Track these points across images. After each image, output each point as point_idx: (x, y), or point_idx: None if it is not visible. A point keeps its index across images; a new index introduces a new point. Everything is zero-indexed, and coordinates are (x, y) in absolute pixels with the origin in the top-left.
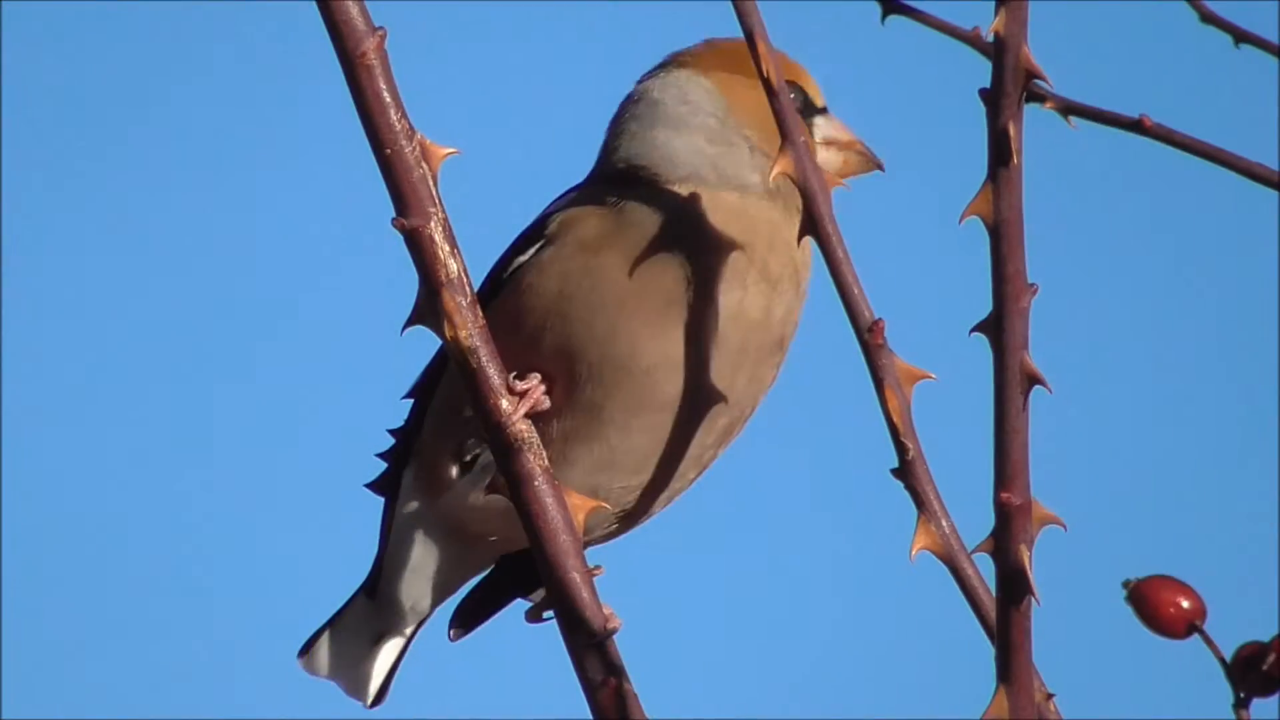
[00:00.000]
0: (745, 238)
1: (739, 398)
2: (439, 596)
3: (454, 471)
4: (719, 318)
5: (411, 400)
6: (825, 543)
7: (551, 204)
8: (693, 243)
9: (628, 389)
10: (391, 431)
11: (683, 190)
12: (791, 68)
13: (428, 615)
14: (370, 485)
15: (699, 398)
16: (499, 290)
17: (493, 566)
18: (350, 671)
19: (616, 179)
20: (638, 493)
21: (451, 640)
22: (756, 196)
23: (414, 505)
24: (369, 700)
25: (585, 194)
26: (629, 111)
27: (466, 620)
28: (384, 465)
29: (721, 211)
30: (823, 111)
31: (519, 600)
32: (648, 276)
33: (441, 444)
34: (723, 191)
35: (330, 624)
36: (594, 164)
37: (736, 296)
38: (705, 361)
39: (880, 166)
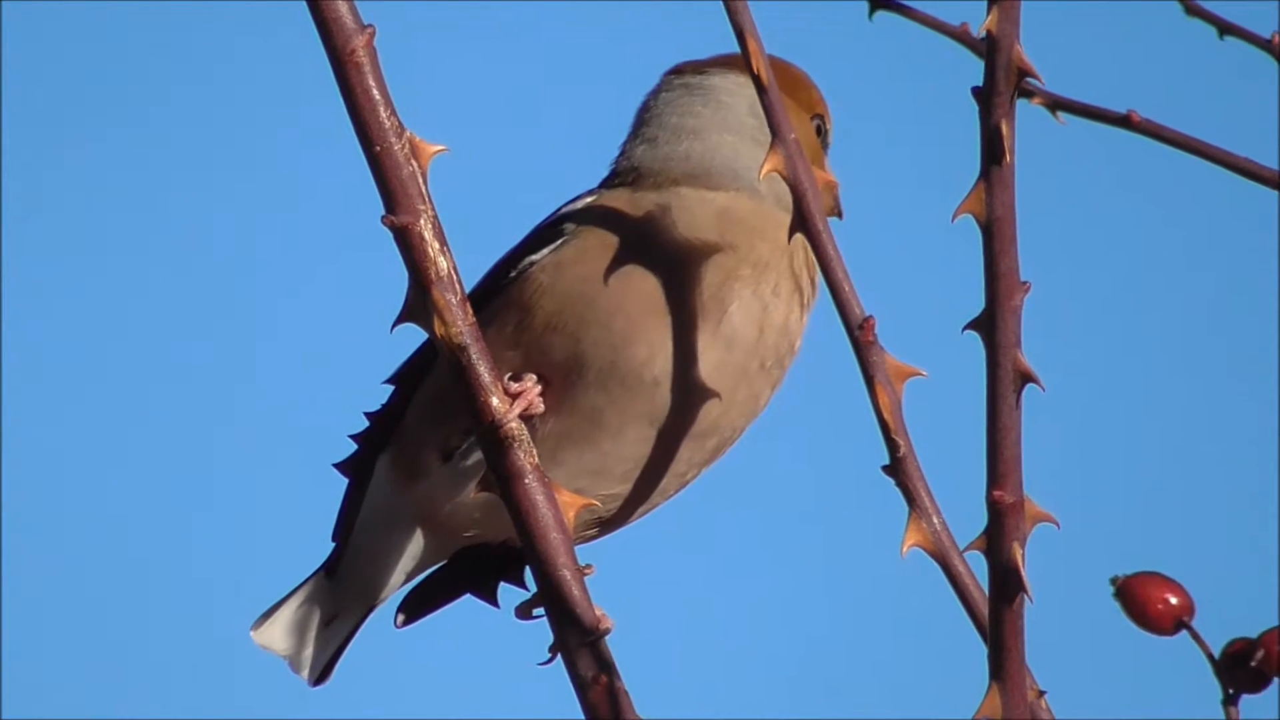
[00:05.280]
0: (770, 253)
1: (734, 417)
2: (397, 582)
3: (436, 461)
4: (733, 333)
5: (392, 386)
6: (816, 540)
7: (566, 204)
8: (722, 254)
9: (631, 397)
10: (367, 415)
11: (719, 198)
12: (822, 104)
13: (381, 600)
14: (338, 465)
15: (697, 413)
16: (503, 287)
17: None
18: (299, 649)
19: (649, 178)
20: (619, 502)
21: (397, 627)
22: (783, 211)
23: (387, 491)
24: (313, 679)
25: (613, 194)
26: (676, 105)
27: (414, 609)
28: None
29: (754, 221)
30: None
31: (468, 595)
32: (673, 286)
33: (426, 433)
34: (767, 204)
35: (287, 600)
36: (619, 155)
37: (756, 311)
38: (711, 377)
39: (839, 214)
